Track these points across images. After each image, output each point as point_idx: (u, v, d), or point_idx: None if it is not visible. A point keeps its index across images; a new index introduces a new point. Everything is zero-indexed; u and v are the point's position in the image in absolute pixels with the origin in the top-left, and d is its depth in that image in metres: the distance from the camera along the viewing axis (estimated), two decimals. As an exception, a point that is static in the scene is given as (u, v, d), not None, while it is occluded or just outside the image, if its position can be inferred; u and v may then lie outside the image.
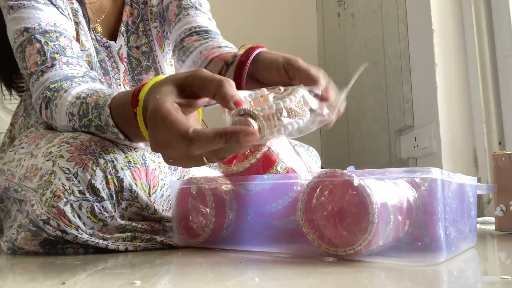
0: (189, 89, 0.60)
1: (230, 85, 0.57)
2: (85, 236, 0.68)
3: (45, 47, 0.80)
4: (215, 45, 0.93)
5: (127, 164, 0.71)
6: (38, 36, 0.81)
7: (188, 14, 1.00)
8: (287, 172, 0.63)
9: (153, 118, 0.57)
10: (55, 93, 0.77)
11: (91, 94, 0.74)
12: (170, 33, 1.03)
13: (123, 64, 1.00)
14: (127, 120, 0.68)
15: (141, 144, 0.75)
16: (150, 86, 0.63)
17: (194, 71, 0.59)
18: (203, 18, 1.01)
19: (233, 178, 0.64)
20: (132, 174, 0.71)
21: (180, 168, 0.81)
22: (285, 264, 0.47)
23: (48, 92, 0.78)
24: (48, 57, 0.80)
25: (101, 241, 0.69)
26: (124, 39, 1.01)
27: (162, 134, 0.56)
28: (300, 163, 0.65)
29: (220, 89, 0.56)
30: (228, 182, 0.66)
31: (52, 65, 0.79)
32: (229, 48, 0.92)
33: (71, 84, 0.78)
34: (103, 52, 0.97)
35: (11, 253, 0.74)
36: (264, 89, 0.60)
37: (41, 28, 0.81)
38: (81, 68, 0.82)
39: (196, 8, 1.01)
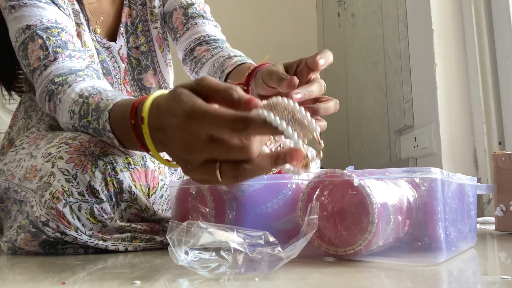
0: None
1: (235, 90, 0.50)
2: (85, 238, 0.68)
3: (47, 42, 0.80)
4: (225, 55, 0.96)
5: (127, 166, 0.71)
6: (40, 32, 0.80)
7: (196, 23, 1.03)
8: (279, 171, 0.63)
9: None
10: (59, 87, 0.76)
11: (94, 94, 0.72)
12: (177, 41, 1.05)
13: (124, 64, 1.01)
14: (125, 129, 0.64)
15: (136, 152, 0.74)
16: (152, 102, 0.55)
17: (200, 79, 0.53)
18: (210, 26, 1.04)
19: None
20: (132, 176, 0.71)
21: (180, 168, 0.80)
22: (285, 264, 0.47)
23: (52, 86, 0.77)
24: (50, 51, 0.79)
25: (100, 242, 0.69)
26: (124, 40, 1.02)
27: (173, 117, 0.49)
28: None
29: (227, 93, 0.50)
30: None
31: (55, 59, 0.79)
32: (239, 57, 0.94)
33: (76, 79, 0.77)
34: (104, 52, 0.98)
35: (12, 253, 0.74)
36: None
37: (43, 24, 0.81)
38: (83, 61, 0.81)
39: (202, 16, 1.04)
